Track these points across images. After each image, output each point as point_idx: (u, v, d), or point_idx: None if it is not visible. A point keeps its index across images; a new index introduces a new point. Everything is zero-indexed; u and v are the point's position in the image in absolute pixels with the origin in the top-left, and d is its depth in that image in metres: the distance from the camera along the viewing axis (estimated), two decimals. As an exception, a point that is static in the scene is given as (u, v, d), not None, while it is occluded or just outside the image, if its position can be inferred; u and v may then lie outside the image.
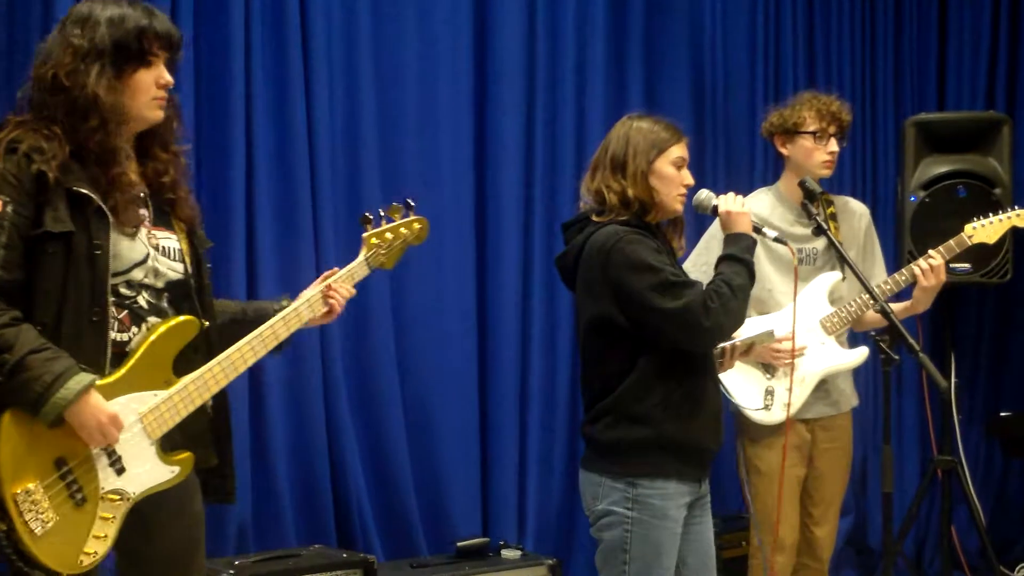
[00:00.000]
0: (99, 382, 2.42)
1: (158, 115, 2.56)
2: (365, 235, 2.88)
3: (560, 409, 4.85)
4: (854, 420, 4.09)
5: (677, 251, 3.19)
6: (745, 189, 4.23)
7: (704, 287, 2.97)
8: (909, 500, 5.05)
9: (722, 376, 3.77)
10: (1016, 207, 4.00)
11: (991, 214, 3.95)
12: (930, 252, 3.86)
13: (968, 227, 3.93)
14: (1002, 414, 5.55)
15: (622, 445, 2.98)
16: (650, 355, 2.97)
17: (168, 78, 2.55)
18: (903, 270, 3.92)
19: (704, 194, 3.18)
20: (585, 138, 4.88)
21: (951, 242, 3.90)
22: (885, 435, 3.89)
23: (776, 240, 3.20)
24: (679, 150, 3.08)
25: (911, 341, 3.30)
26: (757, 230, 3.15)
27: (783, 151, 3.96)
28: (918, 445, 5.59)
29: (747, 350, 3.33)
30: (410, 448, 4.51)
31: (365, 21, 4.47)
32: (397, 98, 4.54)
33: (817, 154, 3.91)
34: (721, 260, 3.07)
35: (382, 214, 2.92)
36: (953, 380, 5.31)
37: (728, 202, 3.13)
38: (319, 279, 2.82)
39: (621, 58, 5.02)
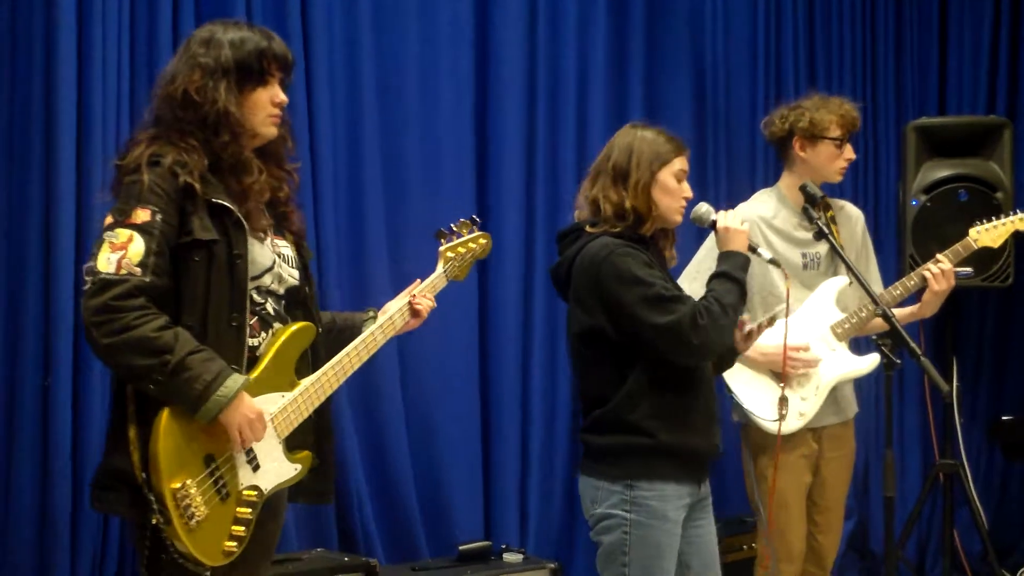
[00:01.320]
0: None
1: (273, 132, 2.71)
2: (442, 248, 3.10)
3: (561, 412, 4.85)
4: (856, 424, 4.09)
5: (669, 261, 3.20)
6: (746, 190, 4.26)
7: (695, 303, 2.98)
8: (911, 504, 5.05)
9: (734, 387, 3.80)
10: (1019, 211, 4.00)
11: (995, 218, 3.95)
12: (938, 256, 3.86)
13: (972, 231, 3.93)
14: (1004, 418, 5.55)
15: (619, 449, 3.00)
16: (641, 366, 2.99)
17: (283, 97, 2.70)
18: (912, 275, 3.91)
19: (703, 208, 3.19)
20: (586, 141, 4.89)
21: (957, 246, 3.90)
22: (887, 439, 3.89)
23: (771, 262, 3.18)
24: (681, 162, 3.09)
25: (913, 345, 3.30)
26: (753, 249, 3.15)
27: (800, 154, 3.92)
28: (920, 449, 5.59)
29: (770, 323, 3.31)
30: (412, 451, 4.52)
31: (366, 27, 4.47)
32: (398, 103, 4.55)
33: (838, 161, 3.92)
34: (714, 277, 3.08)
35: (453, 229, 3.12)
36: (955, 384, 5.31)
37: (727, 218, 3.13)
38: (405, 291, 3.01)
39: (622, 61, 5.03)
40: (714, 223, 3.14)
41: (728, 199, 4.35)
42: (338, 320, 2.96)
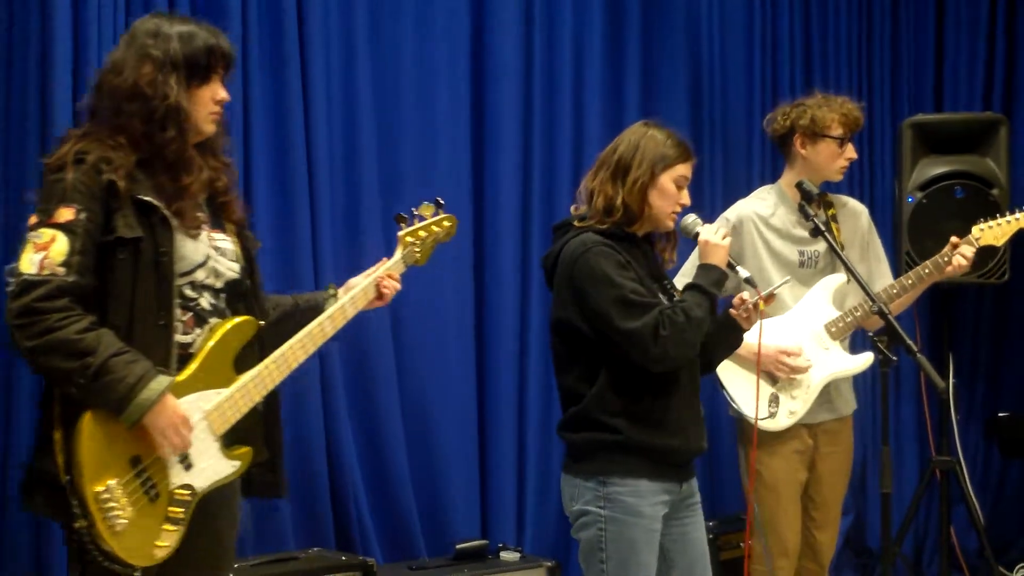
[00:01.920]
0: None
1: (212, 129, 2.69)
2: (400, 234, 2.99)
3: (557, 410, 4.81)
4: (853, 421, 4.09)
5: (667, 262, 3.19)
6: (742, 189, 4.26)
7: (660, 311, 2.96)
8: (908, 501, 5.05)
9: (726, 383, 3.81)
10: (1022, 208, 3.99)
11: (998, 215, 3.95)
12: (961, 246, 3.84)
13: (976, 228, 3.92)
14: (1000, 414, 5.56)
15: (592, 446, 3.02)
16: (613, 364, 3.00)
17: (225, 95, 2.68)
18: (909, 274, 3.91)
19: (690, 219, 3.18)
20: (582, 140, 4.89)
21: (968, 238, 3.90)
22: (884, 436, 3.88)
23: (746, 281, 3.15)
24: (685, 169, 3.09)
25: (909, 342, 3.30)
26: (731, 266, 3.13)
27: (801, 151, 3.93)
28: (916, 446, 5.59)
29: (769, 299, 3.30)
30: (408, 450, 4.52)
31: (363, 28, 4.47)
32: (395, 102, 4.55)
33: (839, 159, 3.93)
34: (687, 288, 3.08)
35: (415, 213, 3.01)
36: (951, 380, 5.31)
37: (709, 232, 3.13)
38: (371, 269, 2.95)
39: (618, 61, 5.02)
40: (697, 235, 3.14)
41: (724, 198, 4.36)
42: (300, 302, 2.90)
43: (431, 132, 4.62)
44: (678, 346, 2.95)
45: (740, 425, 3.90)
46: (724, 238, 3.11)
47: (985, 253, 4.08)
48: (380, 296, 2.92)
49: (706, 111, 5.21)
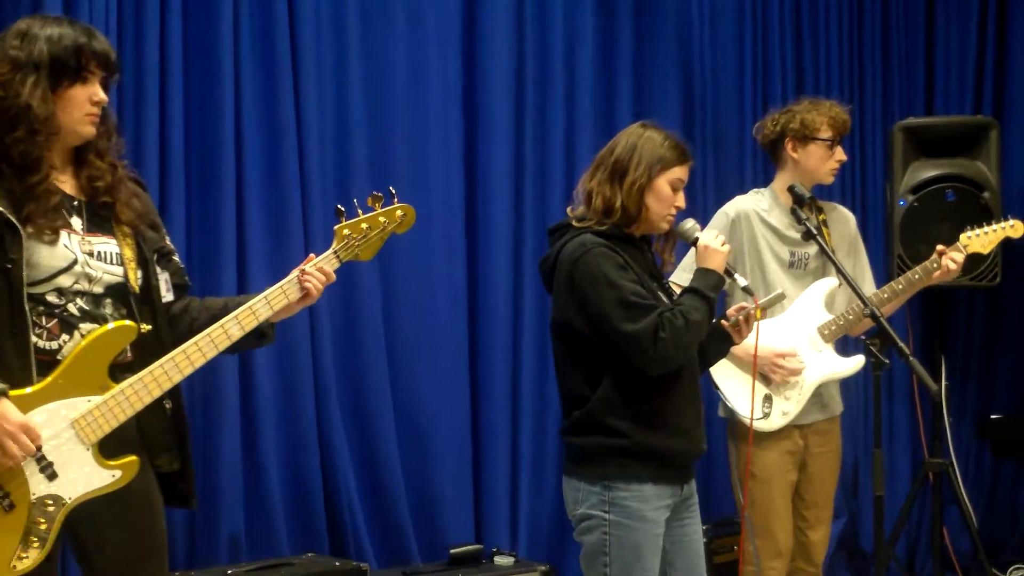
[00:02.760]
0: (17, 392, 2.46)
1: (90, 131, 2.62)
2: (336, 227, 2.76)
3: (552, 414, 4.85)
4: (845, 423, 4.11)
5: (666, 264, 3.20)
6: (734, 193, 4.27)
7: (659, 314, 2.96)
8: (901, 503, 5.05)
9: (720, 382, 3.82)
10: (1009, 217, 4.02)
11: (986, 224, 3.97)
12: (949, 252, 3.87)
13: (963, 236, 3.95)
14: (992, 416, 5.57)
15: (596, 451, 3.01)
16: (616, 367, 3.00)
17: (102, 95, 2.62)
18: (900, 279, 3.94)
19: (689, 224, 3.18)
20: (574, 143, 4.89)
21: (956, 246, 3.92)
22: (876, 438, 3.91)
23: (744, 289, 3.16)
24: (681, 171, 3.09)
25: (901, 345, 3.31)
26: (729, 273, 3.13)
27: (792, 155, 3.96)
28: (909, 448, 5.60)
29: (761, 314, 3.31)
30: (402, 455, 4.51)
31: (354, 27, 4.47)
32: (386, 98, 4.55)
33: (829, 162, 3.95)
34: (685, 291, 3.08)
35: (356, 204, 2.79)
36: (943, 383, 5.32)
37: (709, 238, 3.13)
38: (295, 270, 2.74)
39: (610, 64, 5.03)
40: (696, 240, 3.14)
41: (716, 202, 4.36)
42: (231, 305, 2.75)
43: (423, 132, 4.62)
44: (676, 349, 2.95)
45: (732, 423, 3.93)
46: (723, 244, 3.12)
47: (974, 258, 4.11)
48: (305, 292, 2.70)
49: (698, 115, 5.22)
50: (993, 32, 5.65)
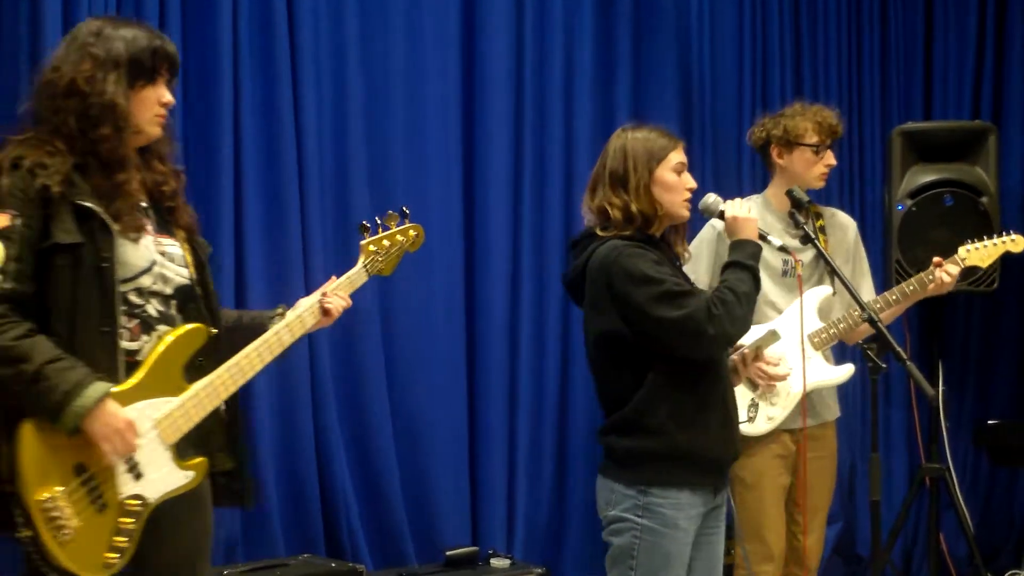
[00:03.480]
0: (114, 390, 2.48)
1: (158, 131, 2.66)
2: (363, 243, 2.96)
3: (548, 418, 4.85)
4: (842, 428, 4.11)
5: (681, 256, 3.19)
6: (732, 196, 4.25)
7: (707, 295, 2.97)
8: (897, 508, 5.05)
9: None
10: (1010, 232, 4.01)
11: (986, 238, 3.97)
12: (945, 264, 3.87)
13: (962, 249, 3.95)
14: (989, 422, 5.56)
15: (635, 454, 3.00)
16: (659, 368, 2.98)
17: (170, 98, 2.66)
18: (894, 289, 3.95)
19: (712, 198, 3.18)
20: (573, 149, 4.90)
21: (954, 258, 3.92)
22: (873, 443, 3.90)
23: (781, 249, 3.20)
24: (677, 155, 3.09)
25: (898, 349, 3.31)
26: (763, 237, 3.15)
27: (779, 161, 3.96)
28: (906, 453, 5.60)
29: (756, 355, 3.33)
30: (399, 457, 4.51)
31: (353, 34, 4.47)
32: (385, 108, 4.55)
33: (816, 167, 3.94)
34: (726, 267, 3.07)
35: (379, 222, 3.00)
36: (941, 388, 5.32)
37: (735, 207, 3.13)
38: (320, 288, 2.90)
39: (609, 69, 5.03)
40: (723, 213, 3.13)
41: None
42: (245, 318, 2.87)
43: (421, 138, 4.62)
44: (733, 323, 2.94)
45: None
46: (750, 210, 3.11)
47: (972, 268, 4.10)
48: (326, 313, 2.85)
49: (696, 119, 5.22)
50: (992, 37, 5.66)
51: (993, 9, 5.66)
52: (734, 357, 3.20)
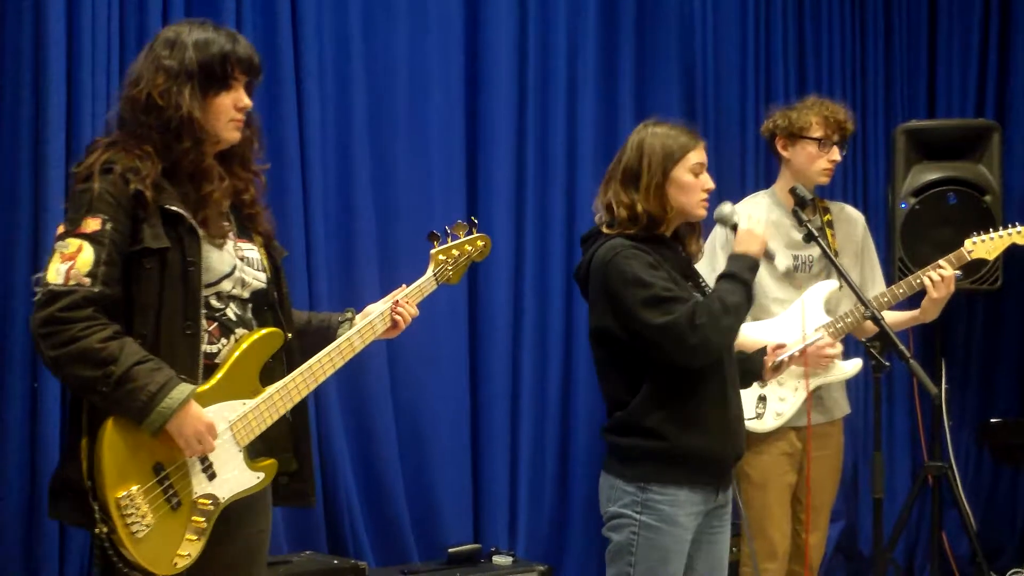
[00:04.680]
0: (197, 391, 2.52)
1: (236, 136, 2.67)
2: (433, 251, 3.00)
3: (551, 415, 4.85)
4: (845, 426, 4.10)
5: (695, 255, 3.19)
6: (735, 195, 4.25)
7: (694, 302, 2.96)
8: (900, 506, 5.06)
9: None
10: (1017, 224, 4.00)
11: (991, 230, 3.96)
12: (939, 262, 3.86)
13: (968, 242, 3.93)
14: (992, 420, 5.57)
15: (635, 452, 3.00)
16: (656, 369, 2.99)
17: (247, 101, 2.66)
18: (901, 283, 3.93)
19: (727, 208, 3.17)
20: (576, 146, 4.90)
21: (951, 256, 3.90)
22: (876, 441, 3.90)
23: (786, 273, 3.16)
24: (696, 156, 3.06)
25: (901, 348, 3.31)
26: (769, 256, 3.13)
27: (784, 153, 3.95)
28: (909, 451, 5.60)
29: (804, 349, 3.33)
30: (401, 454, 4.51)
31: (356, 31, 4.47)
32: (388, 106, 4.55)
33: (819, 161, 3.92)
34: (720, 278, 3.06)
35: (448, 231, 3.03)
36: (943, 386, 5.32)
37: (749, 221, 3.11)
38: (390, 295, 2.94)
39: (612, 67, 5.03)
40: (735, 226, 3.11)
41: (716, 202, 4.36)
42: (314, 321, 2.91)
43: (424, 137, 4.62)
44: (716, 332, 2.93)
45: None
46: (761, 229, 3.10)
47: (977, 263, 4.08)
48: (394, 324, 2.90)
49: (700, 116, 5.21)
50: (996, 35, 5.65)
51: (997, 7, 5.65)
52: (783, 359, 3.19)
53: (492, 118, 4.75)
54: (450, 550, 4.36)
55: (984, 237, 3.93)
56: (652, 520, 2.98)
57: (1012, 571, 5.36)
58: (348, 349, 2.77)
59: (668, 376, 2.98)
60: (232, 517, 2.62)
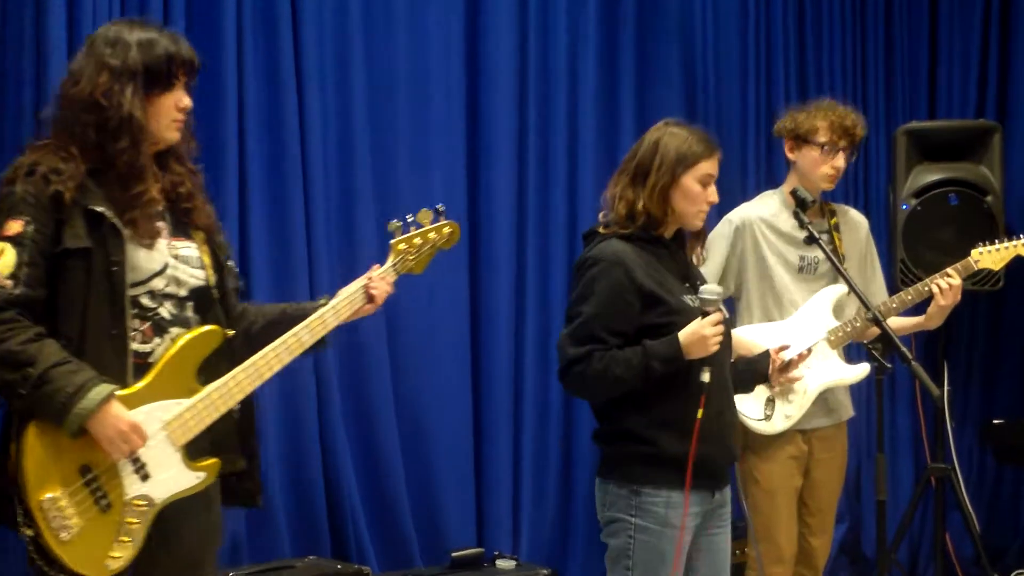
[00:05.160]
0: (121, 392, 2.50)
1: (176, 136, 2.67)
2: (393, 241, 2.91)
3: (554, 419, 4.85)
4: (848, 428, 4.10)
5: (698, 260, 3.18)
6: (737, 196, 4.27)
7: (592, 353, 2.93)
8: (903, 508, 5.06)
9: None
10: (1023, 236, 4.00)
11: (998, 241, 3.97)
12: (948, 271, 3.88)
13: (975, 252, 3.95)
14: (995, 421, 5.56)
15: (627, 456, 3.01)
16: None
17: (188, 102, 2.66)
18: (909, 289, 3.93)
19: (713, 294, 2.96)
20: (577, 151, 4.90)
21: (958, 265, 3.92)
22: (879, 443, 3.89)
23: (699, 385, 3.04)
24: (708, 167, 3.04)
25: (904, 349, 3.31)
26: (700, 363, 2.92)
27: (790, 156, 3.95)
28: (912, 453, 5.59)
29: (808, 353, 3.34)
30: (404, 458, 4.51)
31: (357, 35, 4.47)
32: (389, 109, 4.55)
33: (823, 167, 3.89)
34: (640, 346, 2.95)
35: (410, 220, 2.93)
36: (946, 388, 5.32)
37: (706, 325, 2.91)
38: (360, 279, 2.87)
39: (613, 71, 5.03)
40: (705, 314, 2.94)
41: (718, 208, 4.36)
42: (289, 310, 2.84)
43: (425, 141, 4.62)
44: (582, 388, 3.04)
45: (736, 430, 3.91)
46: (713, 345, 2.92)
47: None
48: (371, 299, 2.83)
49: (700, 117, 5.20)
50: (996, 36, 5.65)
51: (998, 7, 5.65)
52: (793, 358, 3.19)
53: (493, 120, 4.75)
54: (453, 554, 4.36)
55: (991, 248, 3.94)
56: (648, 523, 2.98)
57: (1016, 572, 5.35)
58: (296, 344, 2.69)
59: (652, 383, 2.96)
60: (178, 518, 2.59)
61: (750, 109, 5.27)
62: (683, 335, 2.92)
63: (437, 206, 2.96)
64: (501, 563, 4.40)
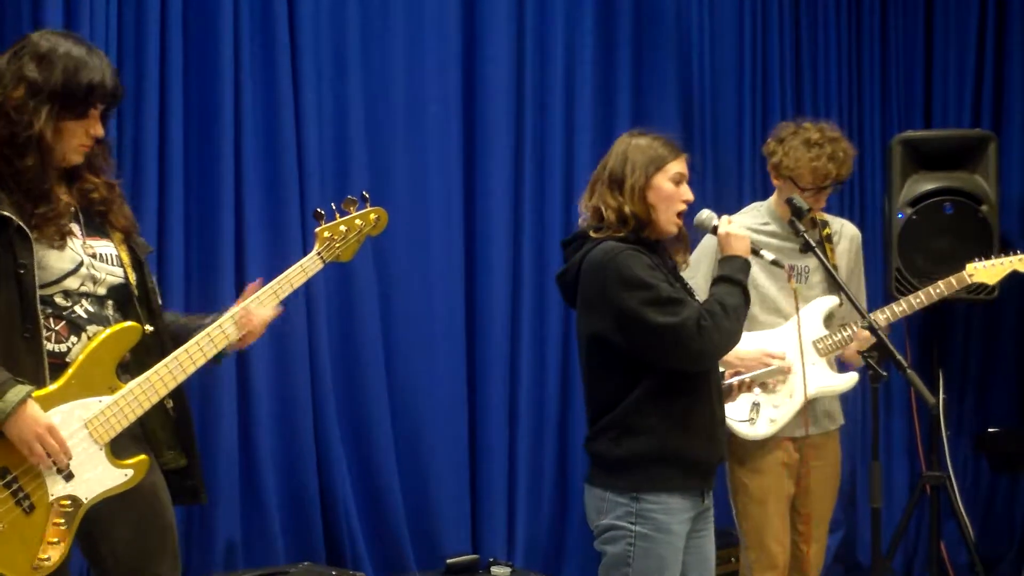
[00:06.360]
0: (38, 393, 2.49)
1: (79, 160, 2.64)
2: (317, 230, 2.86)
3: (549, 425, 4.85)
4: (843, 435, 4.10)
5: (680, 266, 3.20)
6: (732, 206, 4.27)
7: (698, 306, 2.98)
8: (898, 516, 5.06)
9: None
10: (1019, 251, 4.03)
11: (993, 256, 3.99)
12: (939, 284, 3.93)
13: (970, 266, 3.96)
14: (990, 430, 5.56)
15: (625, 460, 3.00)
16: (650, 372, 2.98)
17: (99, 132, 2.63)
18: (902, 301, 3.95)
19: (705, 214, 3.20)
20: (573, 157, 4.90)
21: (951, 279, 3.94)
22: (874, 451, 3.88)
23: (773, 263, 3.20)
24: (678, 166, 3.09)
25: (899, 357, 3.31)
26: (755, 252, 3.15)
27: (775, 183, 3.95)
28: (907, 461, 5.60)
29: (749, 388, 3.38)
30: (399, 464, 4.51)
31: (353, 40, 4.49)
32: (386, 113, 4.56)
33: (808, 200, 3.89)
34: (715, 281, 3.08)
35: (333, 208, 2.89)
36: (941, 396, 5.32)
37: (728, 224, 3.15)
38: (242, 295, 2.78)
39: (609, 80, 5.04)
40: (715, 228, 3.15)
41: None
42: (188, 319, 2.82)
43: (422, 144, 4.64)
44: (720, 335, 2.96)
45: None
46: (742, 227, 3.11)
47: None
48: (243, 328, 2.72)
49: (696, 126, 5.22)
50: (992, 45, 5.66)
51: (993, 17, 5.66)
52: (732, 383, 3.24)
53: (489, 131, 4.76)
54: (448, 560, 4.36)
55: (986, 263, 3.96)
56: (647, 530, 2.98)
57: (1010, 580, 5.36)
58: (221, 337, 2.67)
59: (662, 380, 2.98)
60: (120, 516, 2.59)
61: (746, 119, 5.28)
62: (722, 248, 3.12)
63: (363, 192, 2.93)
64: (496, 569, 4.40)
